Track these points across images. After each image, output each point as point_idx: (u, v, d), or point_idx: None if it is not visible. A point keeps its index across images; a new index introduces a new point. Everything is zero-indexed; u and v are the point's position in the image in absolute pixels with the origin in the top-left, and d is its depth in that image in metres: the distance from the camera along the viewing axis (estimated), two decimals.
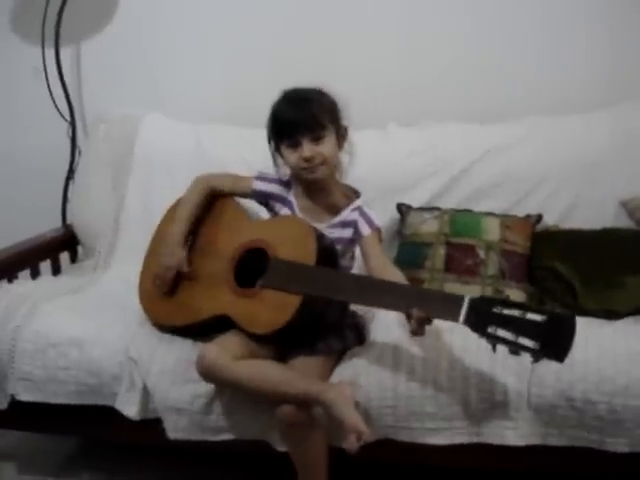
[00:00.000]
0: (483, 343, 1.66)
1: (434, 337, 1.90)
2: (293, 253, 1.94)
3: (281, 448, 1.95)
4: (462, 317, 1.68)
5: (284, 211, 2.12)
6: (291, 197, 2.12)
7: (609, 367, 1.86)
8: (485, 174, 2.54)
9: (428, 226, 2.39)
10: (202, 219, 2.17)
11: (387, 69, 2.83)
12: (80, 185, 2.85)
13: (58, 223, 2.96)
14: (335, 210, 2.09)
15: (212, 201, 2.19)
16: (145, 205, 2.72)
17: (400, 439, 1.92)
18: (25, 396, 2.10)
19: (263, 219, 2.20)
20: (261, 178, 2.16)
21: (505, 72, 2.77)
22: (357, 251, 2.13)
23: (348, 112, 2.10)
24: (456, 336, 1.93)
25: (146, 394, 2.01)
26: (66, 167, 2.99)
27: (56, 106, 2.94)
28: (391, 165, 2.59)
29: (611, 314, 2.14)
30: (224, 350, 1.87)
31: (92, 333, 2.09)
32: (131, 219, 2.72)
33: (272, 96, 2.06)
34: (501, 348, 1.64)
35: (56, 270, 2.70)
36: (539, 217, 2.43)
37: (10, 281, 2.41)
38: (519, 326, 1.61)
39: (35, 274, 2.56)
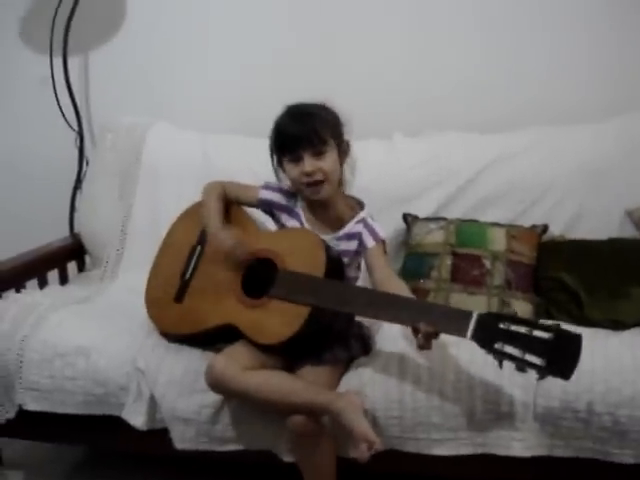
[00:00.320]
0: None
1: (440, 348, 1.90)
2: (302, 264, 1.95)
3: (288, 459, 1.95)
4: (470, 332, 1.68)
5: (290, 222, 2.13)
6: (298, 209, 2.13)
7: (615, 378, 1.86)
8: (491, 184, 2.54)
9: (434, 236, 2.39)
10: None
11: (393, 80, 2.83)
12: (87, 194, 2.87)
13: (65, 232, 2.97)
14: (339, 223, 2.10)
15: (223, 210, 2.19)
16: (152, 214, 2.72)
17: (406, 450, 1.93)
18: (32, 406, 2.11)
19: (272, 230, 2.21)
20: (268, 188, 2.17)
21: (510, 82, 2.78)
22: (362, 262, 2.13)
23: (353, 123, 2.10)
24: (462, 347, 1.93)
25: (153, 404, 2.02)
26: (73, 177, 3.00)
27: (64, 115, 2.96)
28: (397, 175, 2.59)
29: (617, 325, 2.14)
30: (233, 361, 1.88)
31: (99, 343, 2.10)
32: (138, 228, 2.73)
33: (278, 106, 2.07)
34: (507, 364, 1.65)
35: (63, 280, 2.70)
36: (545, 227, 2.43)
37: (18, 291, 2.41)
38: (526, 343, 1.62)
39: (43, 284, 2.56)
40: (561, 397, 1.84)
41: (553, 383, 1.82)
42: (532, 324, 1.64)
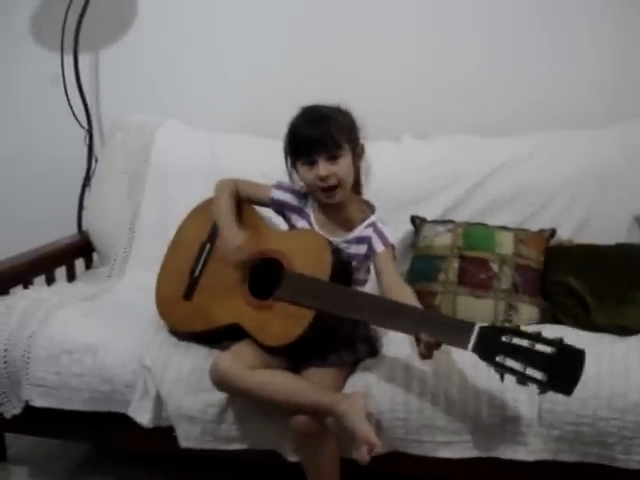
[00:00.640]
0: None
1: (446, 351, 1.90)
2: (308, 266, 1.95)
3: (292, 458, 1.96)
4: (471, 345, 1.68)
5: (300, 223, 2.13)
6: (308, 210, 2.13)
7: (621, 383, 1.86)
8: (499, 187, 2.54)
9: (442, 239, 2.39)
10: None
11: (402, 82, 2.84)
12: (96, 192, 2.87)
13: (74, 230, 2.98)
14: (350, 226, 2.09)
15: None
16: (160, 213, 2.73)
17: (410, 452, 1.93)
18: (39, 402, 2.12)
19: (281, 230, 2.22)
20: (280, 187, 2.17)
21: (518, 85, 2.78)
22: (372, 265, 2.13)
23: (363, 126, 2.10)
24: (468, 352, 1.93)
25: (159, 402, 2.02)
26: (82, 174, 3.02)
27: (74, 114, 2.97)
28: (405, 177, 2.59)
29: (623, 330, 2.14)
30: (238, 359, 1.88)
31: (106, 340, 2.10)
32: (146, 227, 2.74)
33: (288, 107, 2.06)
34: (509, 377, 1.64)
35: (71, 277, 2.71)
36: (553, 231, 2.43)
37: (25, 287, 2.42)
38: (528, 357, 1.62)
39: (50, 280, 2.57)
40: (567, 402, 1.83)
41: None
42: (535, 337, 1.63)
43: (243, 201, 2.21)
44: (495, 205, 2.53)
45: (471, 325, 1.70)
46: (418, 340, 1.75)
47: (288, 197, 2.16)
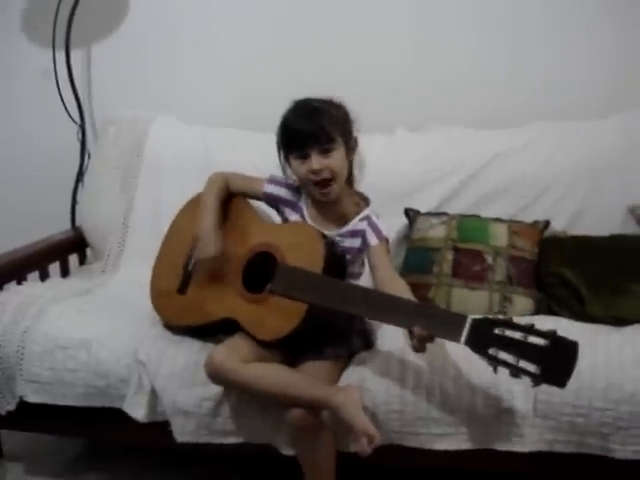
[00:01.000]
0: None
1: (441, 343, 1.89)
2: (301, 259, 1.94)
3: (288, 452, 1.96)
4: (463, 338, 1.67)
5: (294, 217, 2.12)
6: (301, 203, 2.12)
7: (616, 374, 1.87)
8: (492, 179, 2.54)
9: (436, 231, 2.39)
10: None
11: (395, 74, 2.83)
12: (89, 187, 2.87)
13: (67, 225, 2.98)
14: (344, 219, 2.09)
15: (225, 202, 2.19)
16: (154, 207, 2.73)
17: (406, 444, 1.93)
18: (33, 398, 2.11)
19: (274, 223, 2.21)
20: (272, 182, 2.16)
21: (512, 78, 2.78)
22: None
23: (357, 119, 2.09)
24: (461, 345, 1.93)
25: (154, 397, 2.02)
26: (76, 170, 3.01)
27: (66, 109, 2.95)
28: (399, 170, 2.59)
29: (618, 321, 2.14)
30: (233, 353, 1.88)
31: (100, 335, 2.10)
32: (140, 221, 2.74)
33: (282, 101, 2.06)
34: (502, 369, 1.64)
35: (65, 272, 2.71)
36: (547, 223, 2.43)
37: (19, 283, 2.41)
38: (521, 349, 1.61)
39: (44, 276, 2.56)
40: (562, 393, 1.83)
41: None
42: (528, 330, 1.62)
43: (237, 196, 2.20)
44: (489, 197, 2.53)
45: (463, 318, 1.69)
46: (411, 333, 1.74)
47: (281, 191, 2.15)
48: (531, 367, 1.60)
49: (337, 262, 1.99)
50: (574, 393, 1.84)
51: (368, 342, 2.06)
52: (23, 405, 2.13)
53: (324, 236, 1.99)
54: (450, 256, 2.33)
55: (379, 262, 2.04)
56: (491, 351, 1.64)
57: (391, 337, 2.03)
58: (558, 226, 2.47)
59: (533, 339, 1.61)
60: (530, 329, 1.62)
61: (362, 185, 2.19)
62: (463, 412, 1.89)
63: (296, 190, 2.14)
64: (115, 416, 2.06)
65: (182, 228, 2.24)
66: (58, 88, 2.94)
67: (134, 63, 3.02)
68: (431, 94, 2.82)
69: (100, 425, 2.15)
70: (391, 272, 2.06)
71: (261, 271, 2.01)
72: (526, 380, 1.62)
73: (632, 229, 2.42)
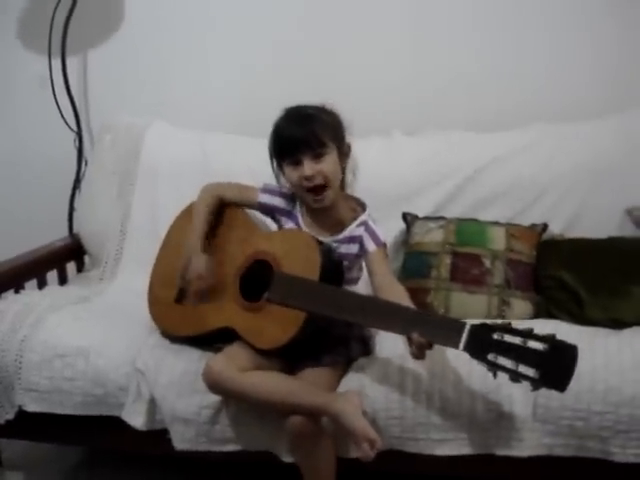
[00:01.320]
0: None
1: (440, 349, 1.88)
2: (297, 266, 1.94)
3: (288, 459, 1.95)
4: (462, 344, 1.67)
5: (289, 225, 2.12)
6: (296, 212, 2.12)
7: (615, 377, 1.86)
8: (490, 183, 2.54)
9: (433, 235, 2.38)
10: (212, 228, 2.16)
11: (392, 78, 2.83)
12: (86, 194, 2.86)
13: (65, 233, 2.98)
14: (340, 225, 2.08)
15: (221, 211, 2.19)
16: (151, 214, 2.72)
17: (406, 450, 1.92)
18: (32, 406, 2.10)
19: (270, 231, 2.20)
20: (266, 191, 2.15)
21: (510, 80, 2.78)
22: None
23: (352, 121, 2.08)
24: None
25: (153, 405, 2.02)
26: (72, 177, 3.01)
27: (62, 116, 2.96)
28: (396, 174, 2.58)
29: (617, 323, 2.13)
30: (231, 362, 1.88)
31: (99, 344, 2.09)
32: (137, 228, 2.73)
33: (279, 106, 2.06)
34: (502, 374, 1.64)
35: (63, 280, 2.70)
36: (545, 226, 2.42)
37: (17, 291, 2.41)
38: (520, 354, 1.61)
39: (42, 284, 2.56)
40: (561, 397, 1.81)
41: None
42: (527, 334, 1.62)
43: (232, 204, 2.19)
44: (486, 201, 2.53)
45: (462, 324, 1.69)
46: (410, 340, 1.74)
47: (275, 200, 2.14)
48: (530, 372, 1.60)
49: (334, 269, 1.98)
50: (573, 397, 1.83)
51: (367, 348, 2.05)
52: (22, 414, 2.13)
53: (320, 243, 1.98)
54: (448, 260, 2.32)
55: (377, 268, 2.04)
56: (490, 357, 1.64)
57: (390, 343, 2.02)
58: (556, 229, 2.46)
59: (532, 344, 1.60)
60: (529, 334, 1.62)
61: (359, 189, 2.19)
62: (463, 417, 1.88)
63: (290, 198, 2.14)
64: (114, 424, 2.05)
65: (177, 238, 2.23)
66: (54, 95, 2.94)
67: (130, 69, 3.02)
68: (428, 97, 2.81)
69: (99, 433, 2.14)
70: (389, 278, 2.05)
71: (258, 279, 2.00)
72: (525, 385, 1.62)
73: (630, 231, 2.42)
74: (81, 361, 2.07)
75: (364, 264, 2.09)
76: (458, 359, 1.92)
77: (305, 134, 1.96)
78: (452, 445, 1.90)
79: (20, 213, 3.16)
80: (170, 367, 2.01)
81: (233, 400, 1.95)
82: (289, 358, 1.96)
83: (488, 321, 1.69)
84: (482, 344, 1.65)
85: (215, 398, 1.95)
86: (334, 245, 2.05)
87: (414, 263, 2.38)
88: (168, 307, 2.14)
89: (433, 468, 1.96)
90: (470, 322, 1.69)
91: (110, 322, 2.21)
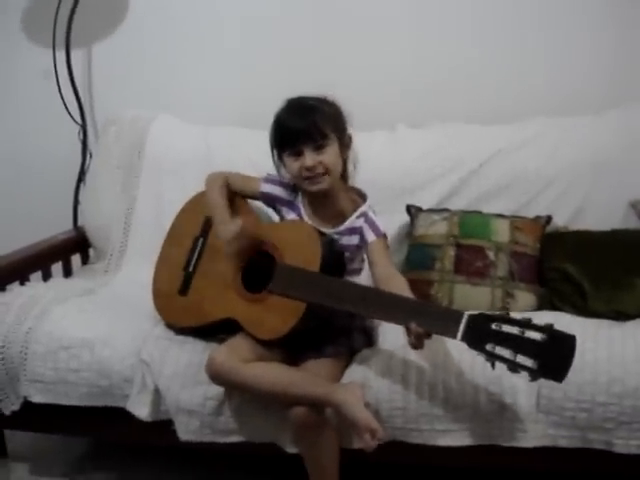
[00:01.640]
0: None
1: (443, 340, 1.89)
2: (299, 257, 1.94)
3: (291, 450, 1.96)
4: (460, 334, 1.67)
5: (291, 215, 2.12)
6: (298, 202, 2.12)
7: (619, 369, 1.86)
8: (494, 175, 2.54)
9: (437, 228, 2.38)
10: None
11: (396, 71, 2.83)
12: (91, 187, 2.87)
13: (69, 225, 2.99)
14: (341, 216, 2.08)
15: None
16: (155, 206, 2.73)
17: (410, 441, 1.93)
18: (37, 398, 2.11)
19: (272, 222, 2.21)
20: (269, 180, 2.16)
21: (513, 73, 2.78)
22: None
23: (356, 114, 2.08)
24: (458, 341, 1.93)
25: (157, 396, 2.02)
26: (77, 170, 3.01)
27: (67, 109, 2.96)
28: (400, 166, 2.59)
29: (620, 315, 2.14)
30: (233, 353, 1.89)
31: (103, 335, 2.10)
32: (141, 220, 2.74)
33: (280, 99, 2.06)
34: (500, 364, 1.64)
35: (67, 272, 2.71)
36: (549, 218, 2.42)
37: (22, 283, 2.41)
38: (518, 344, 1.61)
39: (47, 276, 2.56)
40: (565, 388, 1.83)
41: None
42: (525, 324, 1.62)
43: (234, 194, 2.20)
44: (490, 193, 2.53)
45: (460, 314, 1.69)
46: (408, 330, 1.74)
47: (277, 190, 2.15)
48: (529, 362, 1.60)
49: (335, 260, 1.98)
50: (577, 388, 1.84)
51: (370, 340, 2.06)
52: (27, 405, 2.14)
53: (322, 234, 1.99)
54: (452, 252, 2.33)
55: (377, 258, 2.04)
56: (488, 347, 1.64)
57: (393, 334, 2.02)
58: (560, 221, 2.47)
59: (530, 334, 1.60)
60: (527, 324, 1.62)
61: (362, 181, 2.19)
62: (466, 408, 1.89)
63: (292, 189, 2.14)
64: (119, 415, 2.06)
65: (182, 229, 2.24)
66: (59, 88, 2.94)
67: (134, 62, 3.02)
68: (432, 90, 2.81)
69: (104, 424, 2.15)
70: (390, 269, 2.05)
71: (260, 270, 2.01)
72: (525, 375, 1.62)
73: (634, 224, 2.42)
74: (86, 352, 2.08)
75: (365, 255, 2.09)
76: (462, 350, 1.91)
77: (306, 125, 1.96)
78: (455, 436, 1.90)
79: (25, 206, 3.17)
80: (175, 358, 2.02)
81: (237, 391, 1.95)
82: (292, 349, 1.96)
83: (486, 311, 1.69)
84: (480, 334, 1.65)
85: (219, 389, 1.95)
86: (335, 236, 2.05)
87: (418, 255, 2.38)
88: (172, 299, 2.15)
89: (437, 459, 1.97)
90: (468, 312, 1.69)
91: (115, 314, 2.21)
